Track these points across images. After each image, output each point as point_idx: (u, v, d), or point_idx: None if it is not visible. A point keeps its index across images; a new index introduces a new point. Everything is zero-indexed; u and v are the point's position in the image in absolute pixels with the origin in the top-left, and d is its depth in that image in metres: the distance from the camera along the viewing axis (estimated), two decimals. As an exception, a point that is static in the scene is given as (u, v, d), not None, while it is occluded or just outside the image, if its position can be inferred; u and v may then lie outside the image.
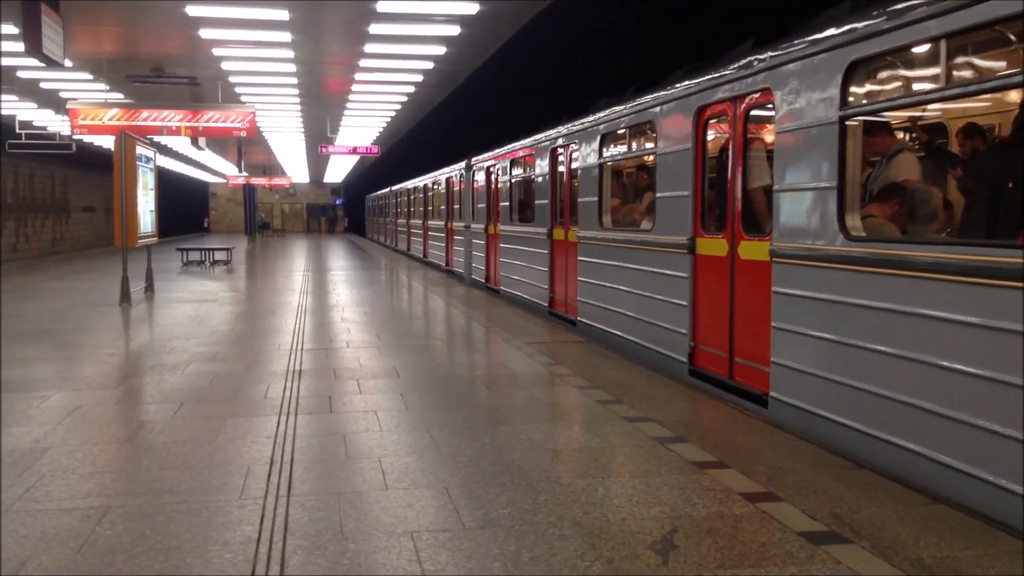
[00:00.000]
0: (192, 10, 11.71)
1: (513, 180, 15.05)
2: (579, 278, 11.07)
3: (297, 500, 4.41)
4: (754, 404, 6.72)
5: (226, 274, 21.71)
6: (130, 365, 8.69)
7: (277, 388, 7.29)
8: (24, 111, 21.72)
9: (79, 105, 16.02)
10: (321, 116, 23.36)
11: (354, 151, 27.11)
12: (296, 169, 49.02)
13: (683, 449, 5.34)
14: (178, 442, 5.56)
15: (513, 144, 14.98)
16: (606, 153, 10.46)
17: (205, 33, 13.09)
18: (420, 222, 27.80)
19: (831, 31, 5.76)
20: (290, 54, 14.75)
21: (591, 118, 10.75)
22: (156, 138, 18.66)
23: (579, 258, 11.05)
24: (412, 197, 30.00)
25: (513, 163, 14.93)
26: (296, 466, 5.01)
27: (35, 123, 23.71)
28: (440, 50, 14.36)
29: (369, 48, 14.25)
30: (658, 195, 8.65)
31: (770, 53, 6.54)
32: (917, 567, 3.58)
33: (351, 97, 20.00)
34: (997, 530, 3.99)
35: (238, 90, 18.58)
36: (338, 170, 51.66)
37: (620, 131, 9.93)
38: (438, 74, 16.66)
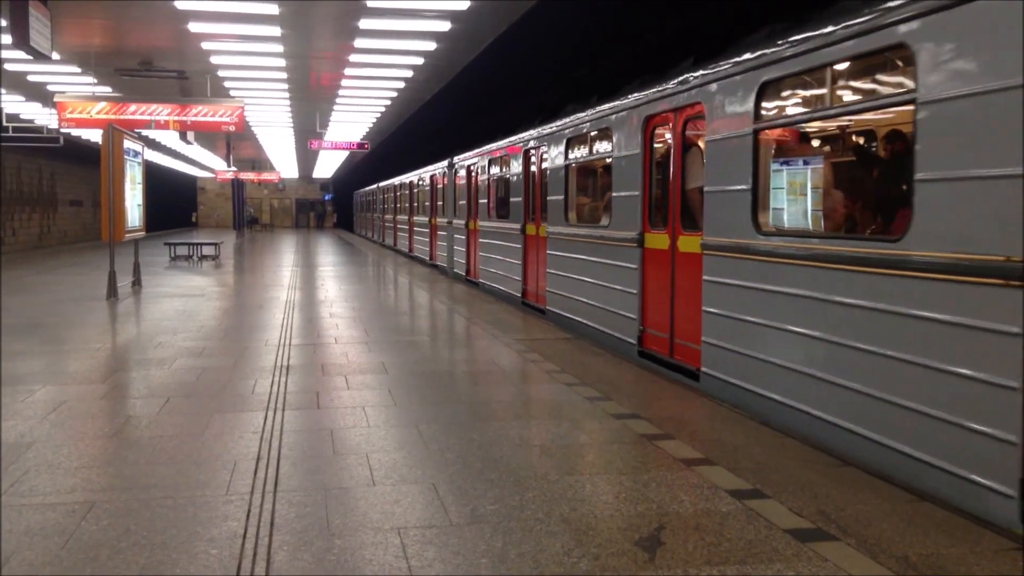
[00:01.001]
0: (181, 4, 11.65)
1: (491, 178, 15.95)
2: (548, 270, 11.99)
3: (284, 496, 4.40)
4: (690, 379, 7.64)
5: (214, 269, 21.63)
6: (117, 360, 8.65)
7: (265, 383, 7.27)
8: (11, 104, 21.59)
9: (67, 98, 15.95)
10: (311, 111, 23.28)
11: (343, 146, 27.01)
12: (285, 164, 48.87)
13: (671, 446, 5.35)
14: (164, 437, 5.53)
15: (491, 145, 15.84)
16: (571, 155, 11.27)
17: (194, 27, 13.03)
18: (406, 218, 28.66)
19: (747, 55, 6.74)
20: (280, 48, 14.70)
21: (559, 123, 11.66)
22: (144, 132, 18.57)
23: (548, 252, 11.94)
24: (398, 193, 30.94)
25: (491, 162, 15.81)
26: (283, 462, 5.00)
27: (22, 116, 23.57)
28: (430, 46, 14.33)
29: (359, 43, 14.21)
30: (613, 194, 9.57)
31: (701, 71, 7.55)
32: (902, 564, 3.59)
33: (341, 92, 19.94)
34: (982, 528, 4.01)
35: (227, 84, 18.50)
36: (327, 165, 51.51)
37: (583, 135, 10.81)
38: (428, 70, 16.63)
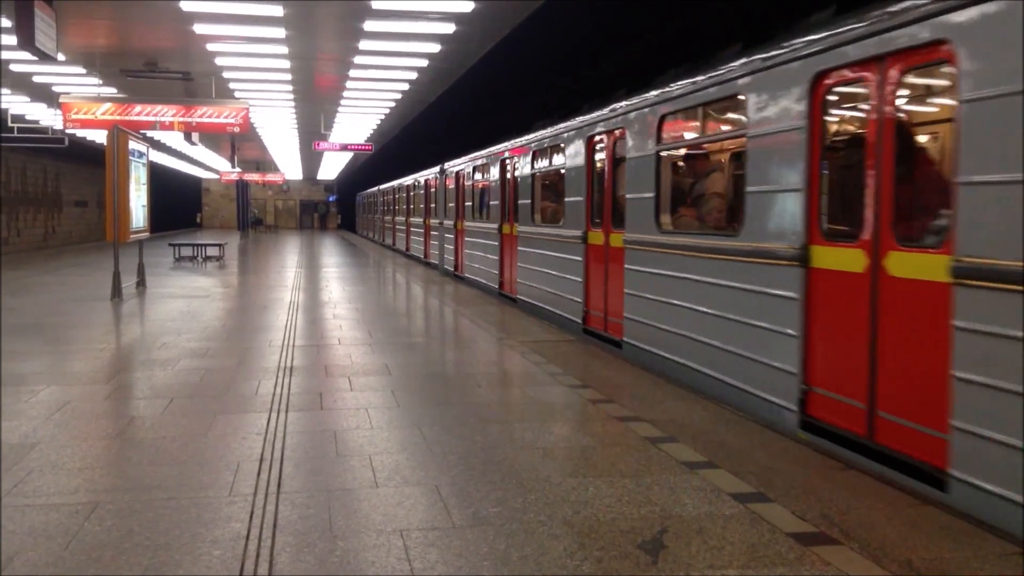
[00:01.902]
0: (187, 5, 11.67)
1: (475, 184, 17.77)
2: (518, 264, 13.86)
3: (287, 497, 4.40)
4: (617, 348, 9.46)
5: (218, 270, 21.66)
6: (121, 360, 8.66)
7: (268, 384, 7.28)
8: (16, 105, 21.63)
9: (72, 99, 15.98)
10: (315, 112, 23.30)
11: (347, 147, 27.04)
12: (290, 165, 48.91)
13: (674, 449, 5.35)
14: (168, 438, 5.54)
15: (474, 154, 17.64)
16: (537, 165, 13.00)
17: (199, 28, 13.05)
18: (404, 219, 30.47)
19: (653, 92, 8.58)
20: (284, 50, 14.71)
21: (527, 137, 13.47)
22: (149, 133, 18.62)
23: (518, 248, 13.82)
24: (396, 196, 33.03)
25: (475, 169, 17.61)
26: (286, 463, 5.00)
27: (27, 117, 23.62)
28: (435, 48, 14.34)
29: (364, 45, 14.22)
30: (566, 199, 11.34)
31: (624, 102, 9.33)
32: (906, 569, 3.59)
33: (345, 94, 19.96)
34: (986, 532, 4.01)
35: (232, 86, 18.52)
36: (332, 167, 51.55)
37: (544, 149, 12.58)
38: (433, 71, 16.64)
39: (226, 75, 17.15)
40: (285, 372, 7.85)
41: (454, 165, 19.93)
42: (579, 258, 10.80)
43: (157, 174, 23.51)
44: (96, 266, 21.83)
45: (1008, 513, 4.19)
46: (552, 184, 12.82)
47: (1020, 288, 4.13)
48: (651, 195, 8.51)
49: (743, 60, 6.86)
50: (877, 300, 5.26)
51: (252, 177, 46.62)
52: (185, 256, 24.78)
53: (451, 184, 20.32)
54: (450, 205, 20.45)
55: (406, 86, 18.61)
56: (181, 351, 8.99)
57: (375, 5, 11.59)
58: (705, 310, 7.42)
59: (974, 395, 4.42)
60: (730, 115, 7.78)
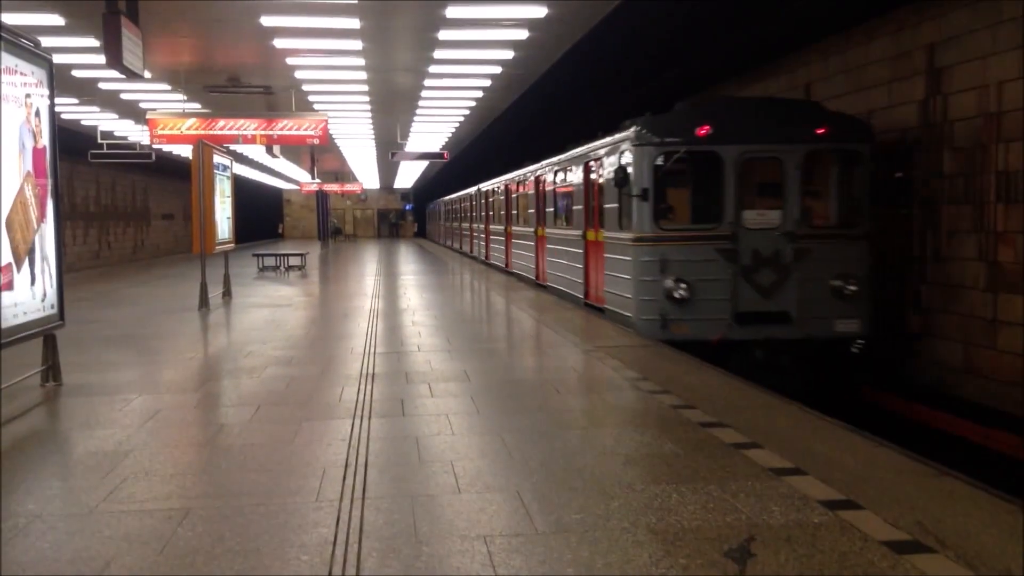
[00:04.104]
0: (267, 20, 11.95)
1: (519, 195, 21.53)
2: (546, 258, 17.64)
3: (372, 503, 4.45)
4: (600, 313, 12.81)
5: (300, 279, 22.10)
6: (209, 369, 8.90)
7: (351, 391, 7.39)
8: (105, 122, 22.42)
9: (158, 115, 16.46)
10: (391, 122, 23.61)
11: (424, 156, 27.33)
12: (367, 175, 49.65)
13: (759, 455, 5.25)
14: (256, 445, 5.66)
15: (518, 171, 21.43)
16: (557, 180, 16.60)
17: (279, 43, 13.35)
18: (467, 225, 34.69)
19: (618, 133, 12.16)
20: (361, 62, 14.95)
21: (549, 160, 17.30)
22: (232, 146, 19.09)
23: (547, 246, 17.61)
24: (460, 206, 37.65)
25: (519, 183, 21.30)
26: (370, 469, 5.06)
27: (116, 133, 24.44)
28: (508, 54, 14.41)
29: (438, 54, 14.37)
30: (573, 207, 15.22)
31: (596, 143, 13.46)
32: (1007, 579, 3.46)
33: (420, 103, 20.18)
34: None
35: (311, 98, 18.90)
36: (408, 176, 52.16)
37: (561, 169, 16.23)
38: (506, 78, 16.72)
39: (305, 88, 17.50)
40: (367, 379, 7.96)
41: (500, 181, 24.61)
42: (580, 251, 14.61)
43: (240, 186, 24.11)
44: (183, 277, 22.48)
45: (621, 319, 11.58)
46: (567, 197, 15.96)
47: (618, 241, 11.83)
48: (616, 205, 12.10)
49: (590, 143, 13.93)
50: (592, 251, 13.59)
51: (331, 188, 47.47)
52: (268, 266, 25.34)
53: (501, 195, 24.52)
54: (501, 212, 24.73)
55: (480, 93, 18.73)
56: (267, 359, 9.18)
57: (449, 14, 11.70)
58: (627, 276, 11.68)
59: (610, 281, 12.27)
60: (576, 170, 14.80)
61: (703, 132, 10.81)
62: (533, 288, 17.83)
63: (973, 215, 10.82)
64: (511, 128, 25.14)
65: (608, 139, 12.63)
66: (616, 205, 12.06)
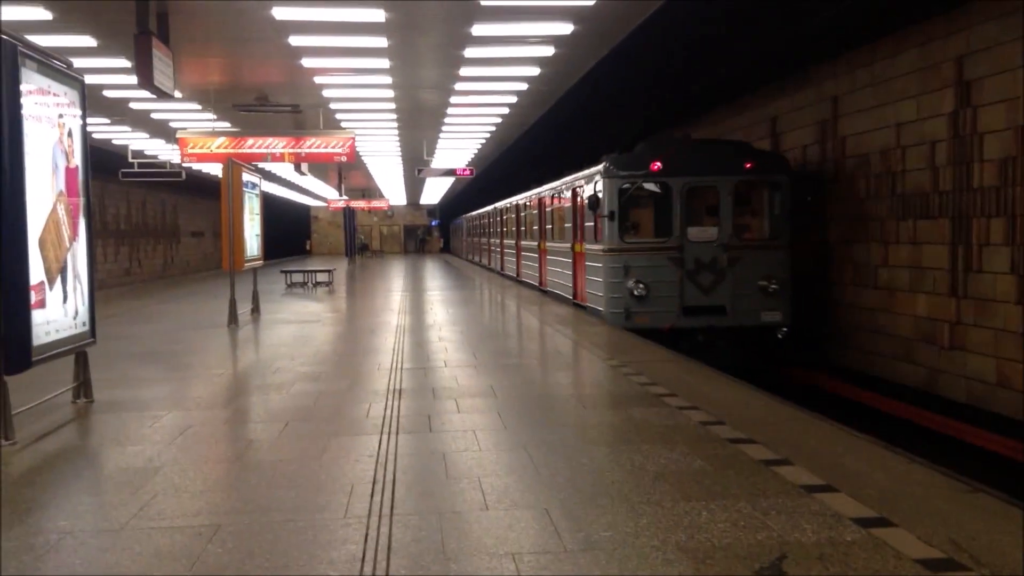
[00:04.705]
0: (295, 40, 12.07)
1: (526, 214, 24.41)
2: (547, 267, 20.65)
3: (400, 519, 4.45)
4: (582, 309, 15.65)
5: (328, 295, 22.22)
6: (238, 385, 8.96)
7: (378, 407, 7.40)
8: (136, 141, 22.71)
9: (188, 134, 16.62)
10: (417, 139, 23.73)
11: (449, 173, 27.44)
12: (394, 191, 49.91)
13: (789, 472, 5.19)
14: (284, 461, 5.69)
15: (524, 193, 24.64)
16: (553, 204, 19.78)
17: (307, 62, 13.47)
18: (485, 240, 37.69)
19: (595, 166, 14.82)
20: (388, 80, 15.05)
21: (547, 186, 20.35)
22: (261, 164, 19.23)
23: (547, 256, 20.71)
24: (480, 222, 40.47)
25: (526, 204, 24.43)
26: (398, 485, 5.06)
27: (147, 152, 24.75)
28: (534, 71, 14.45)
29: (464, 71, 14.44)
30: (565, 225, 17.94)
31: (577, 174, 16.43)
32: (1045, 599, 3.39)
33: (447, 120, 20.28)
34: None
35: (338, 116, 19.04)
36: (434, 192, 52.39)
37: (555, 194, 19.27)
38: (531, 95, 16.76)
39: (333, 106, 17.64)
40: (394, 395, 7.97)
41: (513, 200, 27.24)
42: (569, 260, 17.43)
43: (268, 204, 24.33)
44: (212, 293, 22.66)
45: (596, 312, 14.63)
46: (561, 216, 18.73)
47: (593, 251, 14.94)
48: (591, 224, 15.14)
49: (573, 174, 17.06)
50: (577, 260, 16.51)
51: (358, 204, 47.76)
52: (296, 282, 25.49)
53: (512, 212, 27.48)
54: (513, 229, 27.57)
55: (506, 110, 18.79)
56: (295, 375, 9.23)
57: (475, 32, 11.76)
58: (599, 279, 14.63)
59: (589, 283, 15.35)
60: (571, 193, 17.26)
61: (656, 167, 13.87)
62: (539, 294, 20.38)
63: (1006, 228, 10.71)
64: (536, 143, 25.23)
65: (587, 171, 15.73)
66: (592, 223, 14.94)
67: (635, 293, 13.60)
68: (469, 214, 47.19)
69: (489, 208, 34.92)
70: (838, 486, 4.88)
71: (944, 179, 11.77)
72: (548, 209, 20.48)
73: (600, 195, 14.25)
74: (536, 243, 22.20)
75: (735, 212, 13.92)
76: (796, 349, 14.72)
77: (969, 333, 11.37)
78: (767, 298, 13.69)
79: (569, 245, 17.22)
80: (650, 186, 14.22)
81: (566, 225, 17.81)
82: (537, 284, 21.90)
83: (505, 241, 29.55)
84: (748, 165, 13.93)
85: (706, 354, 12.09)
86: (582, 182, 15.98)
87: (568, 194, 17.47)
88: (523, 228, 25.06)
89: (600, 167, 14.45)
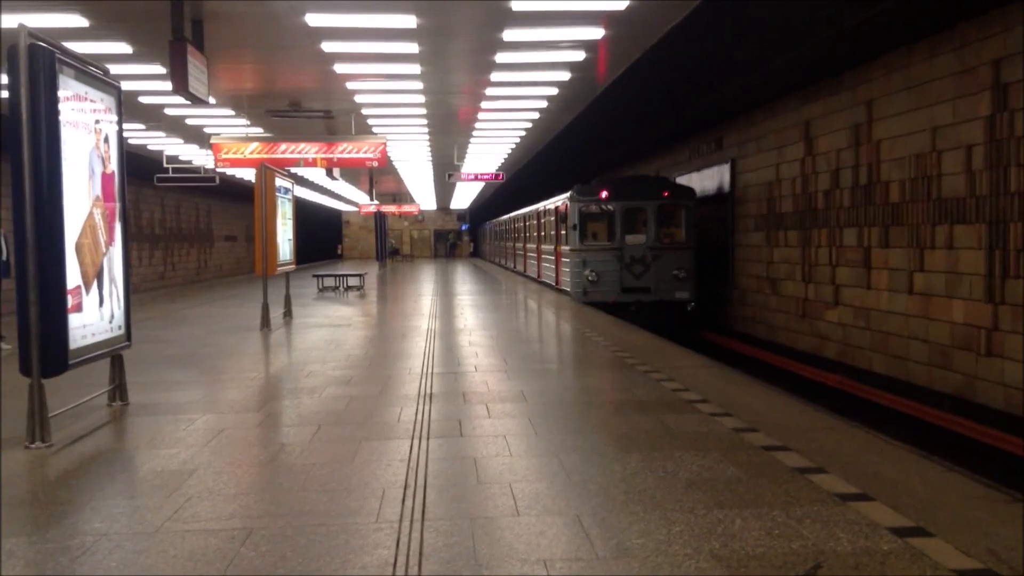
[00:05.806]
0: (327, 47, 12.16)
1: (530, 223, 30.72)
2: (542, 264, 26.93)
3: (431, 524, 4.45)
4: (561, 292, 22.48)
5: (359, 299, 22.32)
6: (271, 388, 9.02)
7: (409, 411, 7.42)
8: (171, 146, 22.99)
9: (222, 140, 16.79)
10: (448, 144, 23.83)
11: (479, 178, 27.52)
12: (424, 196, 50.12)
13: (824, 480, 5.13)
14: (316, 464, 5.71)
15: (530, 206, 30.73)
16: (548, 218, 25.49)
17: (339, 68, 13.56)
18: (510, 244, 41.26)
19: (572, 191, 21.44)
20: (419, 85, 15.12)
21: (543, 203, 26.79)
22: (293, 169, 19.38)
23: (543, 256, 26.85)
24: (500, 229, 46.18)
25: (527, 216, 31.53)
26: (429, 490, 5.07)
27: (181, 157, 25.04)
28: (564, 76, 14.44)
29: (495, 76, 14.47)
30: (552, 232, 24.36)
31: (558, 197, 23.54)
32: (1089, 613, 3.32)
33: (477, 125, 20.34)
34: None
35: (370, 121, 19.16)
36: (464, 196, 52.53)
37: (548, 208, 25.23)
38: (563, 100, 16.76)
39: (364, 112, 17.75)
40: (425, 399, 7.99)
41: (519, 212, 35.08)
42: (552, 258, 24.29)
43: (301, 208, 24.49)
44: (245, 298, 22.86)
45: (566, 292, 22.07)
46: (552, 226, 24.89)
47: (566, 251, 22.21)
48: (567, 232, 21.48)
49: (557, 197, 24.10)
50: (557, 256, 23.57)
51: (389, 209, 48.02)
52: (328, 286, 25.66)
53: (520, 222, 34.45)
54: (530, 234, 32.79)
55: (536, 115, 18.81)
56: (327, 379, 9.28)
57: (507, 37, 11.78)
58: (572, 269, 20.95)
59: (563, 272, 22.77)
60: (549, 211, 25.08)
61: (603, 195, 20.75)
62: (556, 293, 23.32)
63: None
64: (566, 148, 25.39)
65: (562, 196, 22.65)
66: (564, 232, 22.07)
67: (590, 279, 20.30)
68: (492, 221, 54.85)
69: (507, 217, 42.34)
70: (874, 495, 4.82)
71: (980, 183, 11.60)
72: (542, 220, 27.16)
73: (567, 213, 21.38)
74: (535, 246, 29.62)
75: (657, 225, 20.49)
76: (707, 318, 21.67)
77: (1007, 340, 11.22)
78: (679, 282, 20.29)
79: (553, 247, 24.58)
80: (600, 207, 20.72)
81: (552, 233, 24.90)
82: (536, 277, 28.87)
83: (517, 245, 36.93)
84: (665, 193, 20.72)
85: (638, 318, 17.68)
86: (559, 203, 23.07)
87: (553, 210, 24.59)
88: (530, 234, 31.67)
89: (568, 194, 21.46)
